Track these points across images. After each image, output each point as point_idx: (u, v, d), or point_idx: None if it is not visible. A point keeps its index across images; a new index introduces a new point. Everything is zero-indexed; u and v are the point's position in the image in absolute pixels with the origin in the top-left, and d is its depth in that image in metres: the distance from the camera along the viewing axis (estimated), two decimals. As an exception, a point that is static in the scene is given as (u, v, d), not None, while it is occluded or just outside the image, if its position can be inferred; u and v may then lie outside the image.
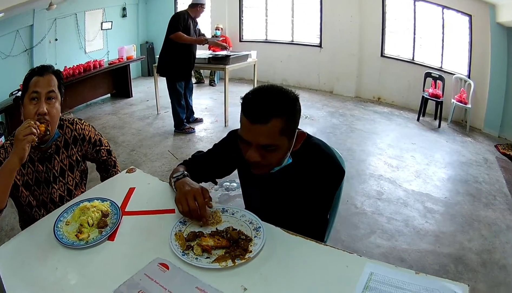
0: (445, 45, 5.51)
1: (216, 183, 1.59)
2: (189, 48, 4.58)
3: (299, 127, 1.24)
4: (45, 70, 1.59)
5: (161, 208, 1.37)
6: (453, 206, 3.12)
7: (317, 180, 1.26)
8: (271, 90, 1.16)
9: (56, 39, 7.43)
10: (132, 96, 7.19)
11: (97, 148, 1.81)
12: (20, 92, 5.50)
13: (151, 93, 6.82)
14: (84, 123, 1.77)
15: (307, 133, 1.29)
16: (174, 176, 1.37)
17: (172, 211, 1.34)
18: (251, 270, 1.02)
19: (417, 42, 5.80)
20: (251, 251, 1.06)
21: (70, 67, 5.83)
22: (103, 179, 1.92)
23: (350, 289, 0.93)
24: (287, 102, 1.15)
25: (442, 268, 2.37)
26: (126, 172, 1.66)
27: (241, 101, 1.18)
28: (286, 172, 1.28)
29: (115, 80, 7.21)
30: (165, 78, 4.74)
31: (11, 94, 5.96)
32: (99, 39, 8.55)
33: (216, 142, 1.53)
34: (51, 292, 1.03)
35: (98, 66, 6.30)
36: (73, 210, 1.39)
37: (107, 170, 1.90)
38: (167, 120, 5.43)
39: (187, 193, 1.23)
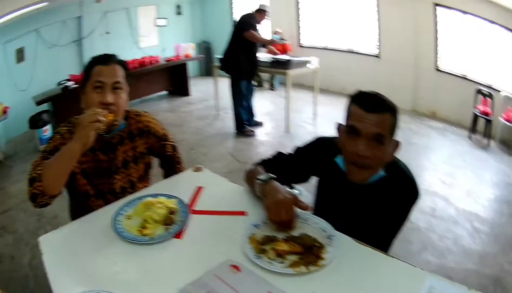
0: (495, 61, 5.18)
1: (292, 188, 1.49)
2: (255, 49, 4.66)
3: None
4: (109, 59, 1.55)
5: (232, 209, 1.36)
6: (498, 227, 3.05)
7: (396, 199, 1.25)
8: (379, 93, 1.22)
9: (107, 32, 7.69)
10: (190, 95, 7.32)
11: (163, 142, 1.75)
12: (68, 82, 5.78)
13: (209, 93, 6.92)
14: (150, 115, 1.74)
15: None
16: (258, 177, 1.31)
17: (242, 213, 1.32)
18: (322, 277, 1.00)
19: (470, 57, 5.53)
20: (323, 258, 1.05)
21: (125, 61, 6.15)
22: (166, 176, 1.87)
23: None
24: (394, 104, 1.20)
25: (483, 288, 2.32)
26: (193, 170, 1.67)
27: (352, 96, 1.23)
28: (371, 187, 1.27)
29: (171, 78, 7.33)
30: (228, 78, 4.78)
31: (59, 83, 6.14)
32: (154, 35, 8.74)
33: (300, 145, 1.49)
34: (107, 286, 1.02)
35: (155, 62, 6.44)
36: (136, 204, 1.38)
37: (172, 166, 1.85)
38: (227, 121, 5.46)
39: (281, 203, 1.18)
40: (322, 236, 1.14)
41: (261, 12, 4.68)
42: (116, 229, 1.27)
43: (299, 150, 1.48)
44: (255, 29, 4.50)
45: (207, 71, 9.23)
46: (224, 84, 4.89)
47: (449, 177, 3.91)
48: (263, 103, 6.23)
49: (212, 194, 1.48)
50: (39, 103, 5.37)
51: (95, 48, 7.43)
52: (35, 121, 5.46)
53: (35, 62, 6.17)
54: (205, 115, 5.93)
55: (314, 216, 1.25)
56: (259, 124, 5.18)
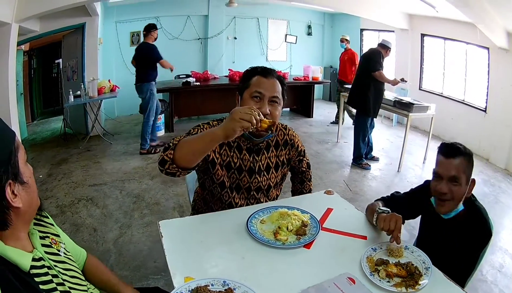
0: None
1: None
2: (383, 87, 4.78)
3: None
4: (268, 73, 1.65)
5: (355, 233, 1.58)
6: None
7: (472, 232, 1.53)
8: (457, 143, 1.59)
9: (235, 38, 7.87)
10: (312, 117, 7.49)
11: (300, 157, 1.91)
12: (190, 78, 6.07)
13: (330, 119, 7.11)
14: (294, 131, 1.90)
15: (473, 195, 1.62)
16: (379, 208, 1.58)
17: (364, 237, 1.55)
18: None
19: None
20: (420, 284, 1.26)
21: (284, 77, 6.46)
22: (294, 189, 2.07)
23: None
24: (468, 150, 1.57)
25: None
26: (324, 192, 1.94)
27: (439, 147, 1.61)
28: (455, 221, 1.59)
29: (296, 96, 7.48)
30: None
31: (178, 77, 6.47)
32: (283, 50, 8.75)
33: (413, 188, 1.82)
34: (233, 276, 1.21)
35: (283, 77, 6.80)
36: (271, 211, 1.61)
37: (303, 182, 2.02)
38: (345, 150, 5.65)
39: (392, 216, 1.47)
40: (421, 266, 1.36)
41: (386, 49, 4.78)
42: (250, 229, 1.49)
43: (412, 191, 1.82)
44: (383, 68, 4.62)
45: (330, 96, 9.29)
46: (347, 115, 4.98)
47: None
48: (380, 139, 6.22)
49: (339, 216, 1.73)
50: (157, 91, 5.56)
51: (221, 50, 7.65)
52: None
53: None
54: (325, 140, 6.13)
55: (418, 249, 1.47)
56: (375, 159, 5.25)
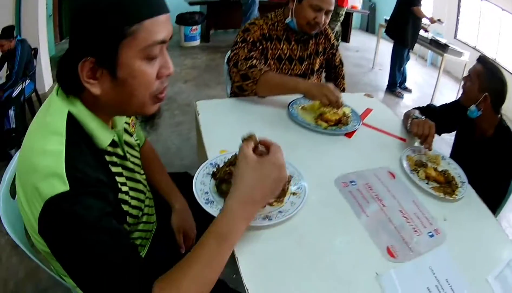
0: None
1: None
2: (420, 22, 4.76)
3: None
4: None
5: (395, 133, 1.54)
6: None
7: (503, 160, 1.48)
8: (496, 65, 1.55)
9: None
10: (349, 42, 7.37)
11: (333, 51, 1.98)
12: None
13: (366, 47, 7.00)
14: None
15: (503, 119, 1.56)
16: (414, 115, 1.53)
17: (403, 139, 1.50)
18: (450, 208, 1.16)
19: None
20: (456, 195, 1.21)
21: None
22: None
23: (497, 260, 1.00)
24: (495, 69, 1.53)
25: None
26: (364, 95, 1.89)
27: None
28: (486, 146, 1.55)
29: None
30: (386, 40, 4.86)
31: None
32: None
33: (448, 102, 1.78)
34: None
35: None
36: (312, 102, 1.59)
37: (337, 78, 2.07)
38: (380, 77, 5.57)
39: (425, 122, 1.41)
40: (458, 179, 1.30)
41: None
42: (291, 113, 1.52)
43: (447, 105, 1.78)
44: (421, 5, 4.63)
45: (367, 27, 9.24)
46: (383, 43, 4.89)
47: None
48: (414, 74, 6.04)
49: (379, 117, 1.67)
50: (192, 3, 5.56)
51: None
52: (185, 18, 5.74)
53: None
54: (360, 64, 6.02)
55: (455, 162, 1.41)
56: (408, 90, 5.24)
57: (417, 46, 5.12)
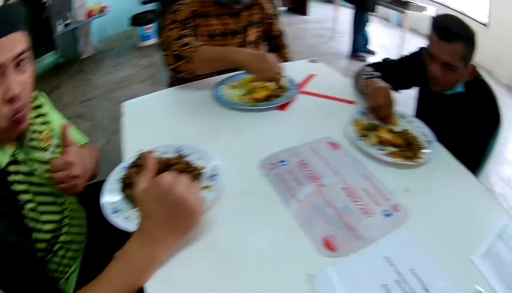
0: None
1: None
2: None
3: None
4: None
5: (341, 97, 1.34)
6: None
7: (475, 115, 1.26)
8: (458, 19, 1.24)
9: None
10: (307, 15, 7.20)
11: (270, 20, 1.82)
12: None
13: (326, 17, 6.79)
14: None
15: (479, 73, 1.32)
16: (365, 72, 1.34)
17: (352, 102, 1.30)
18: (413, 176, 0.97)
19: None
20: (420, 158, 1.02)
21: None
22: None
23: (483, 232, 0.81)
24: (469, 32, 1.21)
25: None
26: (309, 61, 1.66)
27: (433, 19, 1.26)
28: (456, 100, 1.32)
29: None
30: (345, 7, 4.81)
31: None
32: None
33: (406, 54, 1.50)
34: (194, 142, 1.03)
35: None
36: (242, 78, 1.44)
37: (278, 48, 1.89)
38: (341, 44, 5.45)
39: (380, 89, 1.20)
40: (422, 139, 1.11)
41: None
42: (217, 95, 1.33)
43: (404, 57, 1.51)
44: None
45: None
46: (342, 11, 4.81)
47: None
48: (379, 37, 5.90)
49: (323, 81, 1.46)
50: (145, 2, 5.40)
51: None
52: (139, 19, 5.71)
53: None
54: (320, 34, 5.88)
55: (418, 120, 1.22)
56: (371, 52, 5.17)
57: (379, 8, 5.00)
